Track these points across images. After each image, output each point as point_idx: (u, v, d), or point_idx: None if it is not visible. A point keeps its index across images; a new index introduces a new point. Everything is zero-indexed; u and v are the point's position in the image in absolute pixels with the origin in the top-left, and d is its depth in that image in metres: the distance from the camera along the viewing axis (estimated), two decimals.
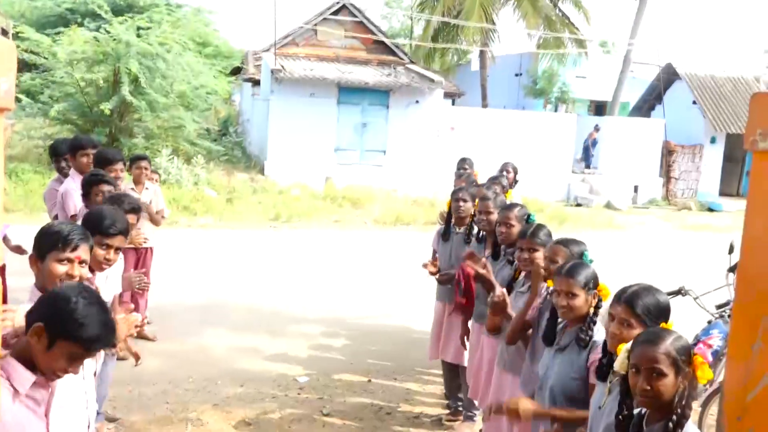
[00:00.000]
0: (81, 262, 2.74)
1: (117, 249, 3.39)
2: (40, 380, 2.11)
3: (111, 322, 2.17)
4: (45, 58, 15.91)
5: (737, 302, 1.43)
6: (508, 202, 6.06)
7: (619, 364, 2.47)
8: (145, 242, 6.00)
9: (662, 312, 2.82)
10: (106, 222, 3.31)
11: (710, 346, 5.31)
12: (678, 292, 5.61)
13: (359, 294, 9.08)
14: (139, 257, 6.64)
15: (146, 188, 6.71)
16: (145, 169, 6.69)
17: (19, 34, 15.39)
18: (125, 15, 17.43)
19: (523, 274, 4.06)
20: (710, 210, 21.64)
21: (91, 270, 3.23)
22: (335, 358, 6.84)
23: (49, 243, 2.69)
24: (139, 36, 16.10)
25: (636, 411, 2.46)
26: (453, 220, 5.45)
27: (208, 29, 28.36)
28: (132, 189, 6.44)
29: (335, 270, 10.56)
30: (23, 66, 16.79)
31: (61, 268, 2.68)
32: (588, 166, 22.63)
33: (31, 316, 2.12)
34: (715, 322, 5.45)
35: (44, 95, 16.58)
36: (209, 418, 5.23)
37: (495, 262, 4.64)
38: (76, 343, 2.07)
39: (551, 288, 3.36)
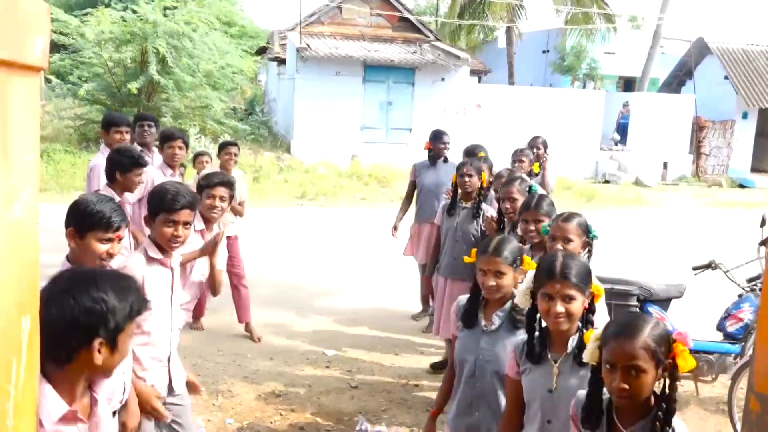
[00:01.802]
0: (120, 239, 2.82)
1: (186, 224, 3.22)
2: (73, 413, 1.87)
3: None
4: (74, 38, 16.06)
5: None
6: (536, 178, 6.03)
7: (589, 354, 2.24)
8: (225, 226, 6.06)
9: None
10: (168, 197, 3.20)
11: (741, 320, 5.27)
12: (708, 266, 5.56)
13: (386, 270, 9.11)
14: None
15: (232, 176, 6.29)
16: (235, 155, 6.41)
17: None
18: None
19: (528, 245, 3.95)
20: (741, 186, 21.31)
21: (162, 250, 3.19)
22: (363, 332, 6.89)
23: (91, 222, 2.72)
24: (165, 16, 16.18)
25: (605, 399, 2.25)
26: (459, 195, 5.35)
27: (234, 8, 28.36)
28: None
29: (362, 247, 10.61)
30: (52, 47, 16.96)
31: (102, 247, 2.74)
32: (623, 143, 22.32)
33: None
34: (746, 296, 5.39)
35: (73, 76, 16.76)
36: (239, 390, 5.31)
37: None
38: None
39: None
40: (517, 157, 6.09)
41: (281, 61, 22.08)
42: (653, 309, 5.41)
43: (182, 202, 3.20)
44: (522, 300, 2.73)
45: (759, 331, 1.42)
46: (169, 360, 3.29)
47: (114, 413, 2.17)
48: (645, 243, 12.07)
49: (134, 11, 16.17)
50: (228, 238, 6.27)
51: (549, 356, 2.61)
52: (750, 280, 5.55)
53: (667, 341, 2.10)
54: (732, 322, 5.34)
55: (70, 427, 1.85)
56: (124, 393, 2.47)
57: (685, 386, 5.73)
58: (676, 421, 2.12)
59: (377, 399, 5.33)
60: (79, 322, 1.80)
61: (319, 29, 20.59)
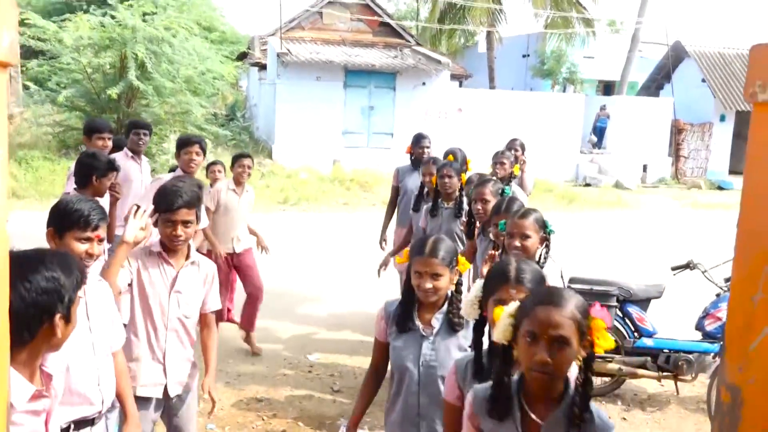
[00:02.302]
0: (100, 240, 2.80)
1: (185, 222, 3.20)
2: (39, 391, 1.96)
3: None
4: (52, 44, 15.92)
5: (737, 254, 1.43)
6: (516, 180, 6.05)
7: (501, 332, 2.03)
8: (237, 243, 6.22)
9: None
10: (168, 198, 3.20)
11: (719, 319, 5.32)
12: (687, 266, 5.62)
13: (369, 275, 9.10)
14: (233, 259, 6.20)
15: (246, 191, 6.26)
16: (248, 168, 6.19)
17: (25, 21, 15.40)
18: (130, 1, 17.40)
19: (500, 250, 3.80)
20: (720, 188, 21.55)
21: (166, 249, 3.27)
22: (345, 337, 6.88)
23: (69, 222, 2.71)
24: (144, 21, 16.09)
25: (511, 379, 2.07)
26: (441, 197, 5.42)
27: (214, 14, 28.29)
28: (233, 190, 6.13)
29: (345, 252, 10.60)
30: (30, 53, 16.82)
31: (81, 247, 2.72)
32: (599, 147, 22.48)
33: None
34: (724, 295, 5.45)
35: (52, 82, 16.60)
36: (221, 395, 5.27)
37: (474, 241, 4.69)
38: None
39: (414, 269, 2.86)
40: (498, 159, 6.09)
41: (262, 67, 22.04)
42: (633, 309, 5.46)
43: (179, 203, 3.18)
44: (470, 311, 2.49)
45: (728, 324, 1.44)
46: (164, 358, 3.27)
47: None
48: (625, 245, 12.16)
49: (113, 17, 16.06)
50: (236, 255, 6.20)
51: None
52: (727, 280, 5.60)
53: (589, 315, 1.96)
54: (710, 321, 5.40)
55: (36, 404, 1.95)
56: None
57: (665, 386, 5.78)
58: (594, 407, 2.00)
59: None
60: (39, 303, 1.93)
61: (299, 34, 20.58)
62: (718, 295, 5.52)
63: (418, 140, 6.87)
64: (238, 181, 6.12)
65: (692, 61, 23.73)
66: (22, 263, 1.97)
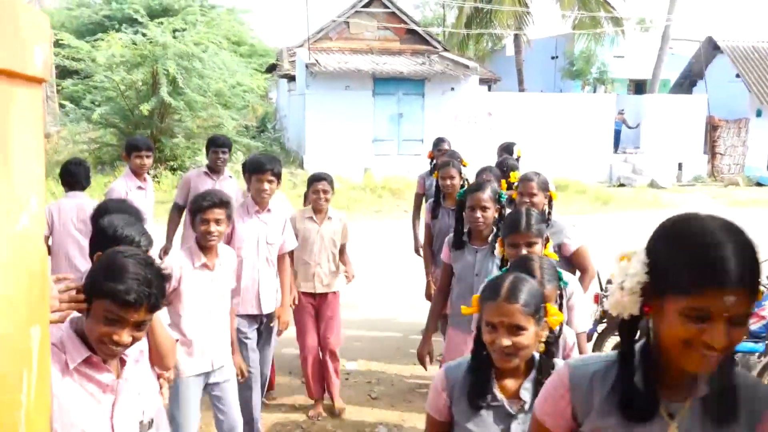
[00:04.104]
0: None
1: (218, 220, 3.69)
2: (96, 359, 2.04)
3: (148, 276, 2.01)
4: (85, 63, 16.26)
5: None
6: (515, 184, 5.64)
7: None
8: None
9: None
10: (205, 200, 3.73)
11: (763, 318, 5.20)
12: None
13: (404, 281, 9.09)
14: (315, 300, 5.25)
15: (329, 218, 5.18)
16: (324, 192, 5.06)
17: (60, 42, 15.74)
18: (161, 18, 17.69)
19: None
20: (759, 185, 21.11)
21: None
22: (381, 344, 6.87)
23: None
24: (175, 38, 16.35)
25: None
26: (442, 197, 5.50)
27: (242, 28, 28.61)
28: (311, 218, 5.13)
29: (378, 259, 10.60)
30: (65, 73, 17.19)
31: None
32: (616, 151, 22.16)
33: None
34: (767, 294, 5.32)
35: (86, 100, 16.96)
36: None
37: (464, 252, 4.04)
38: (106, 298, 1.96)
39: None
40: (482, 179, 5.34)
41: (291, 78, 22.21)
42: None
43: (213, 200, 3.70)
44: (627, 302, 1.47)
45: None
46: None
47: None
48: (615, 255, 11.95)
49: (144, 34, 16.35)
50: (318, 296, 5.24)
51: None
52: None
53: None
54: (755, 320, 5.27)
55: (96, 374, 2.05)
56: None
57: None
58: (558, 361, 2.24)
59: (398, 409, 5.30)
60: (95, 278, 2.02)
61: (327, 45, 20.70)
62: (761, 294, 5.39)
63: (435, 144, 6.95)
64: (317, 209, 5.13)
65: (725, 57, 23.33)
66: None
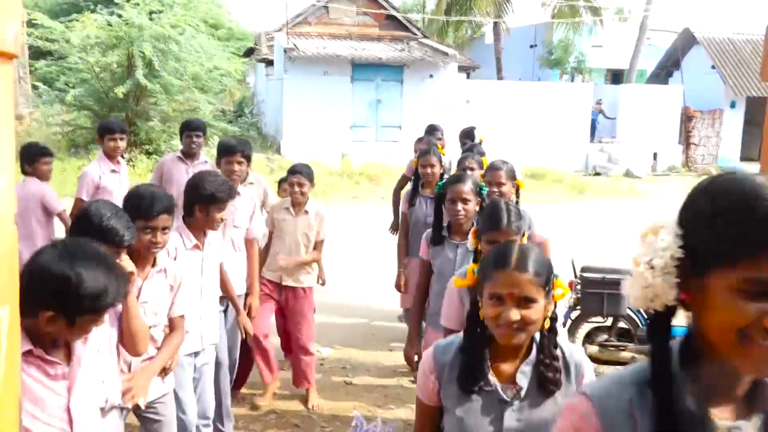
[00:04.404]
0: (164, 229, 3.06)
1: (164, 229, 3.10)
2: (38, 351, 2.06)
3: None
4: (59, 44, 15.97)
5: None
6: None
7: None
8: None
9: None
10: (144, 203, 3.07)
11: None
12: None
13: (379, 267, 9.11)
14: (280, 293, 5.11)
15: (305, 211, 4.98)
16: (299, 186, 4.88)
17: (33, 22, 15.45)
18: None
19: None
20: None
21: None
22: (357, 330, 6.88)
23: (102, 238, 2.61)
24: (151, 19, 16.11)
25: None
26: (421, 185, 5.42)
27: (220, 11, 28.31)
28: (287, 209, 4.98)
29: (355, 246, 10.59)
30: (38, 54, 16.88)
31: (144, 237, 2.97)
32: (592, 140, 22.30)
33: None
34: None
35: (60, 82, 16.67)
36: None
37: (444, 248, 3.88)
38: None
39: None
40: (464, 165, 5.30)
41: (269, 63, 22.05)
42: None
43: (158, 208, 3.06)
44: (659, 290, 1.14)
45: None
46: (129, 369, 3.09)
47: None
48: (637, 233, 12.09)
49: (120, 16, 16.09)
50: (285, 289, 5.08)
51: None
52: None
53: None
54: None
55: (43, 365, 2.05)
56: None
57: None
58: (564, 341, 2.03)
59: (373, 395, 5.32)
60: (41, 289, 1.95)
61: (306, 29, 20.56)
62: None
63: (431, 131, 6.89)
64: (292, 202, 4.96)
65: (701, 48, 23.55)
66: (68, 249, 2.06)
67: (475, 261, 3.01)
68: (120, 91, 15.14)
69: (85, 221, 2.67)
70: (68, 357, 2.15)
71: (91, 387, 2.23)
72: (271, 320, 5.32)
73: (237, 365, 4.80)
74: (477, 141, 6.84)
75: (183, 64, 16.59)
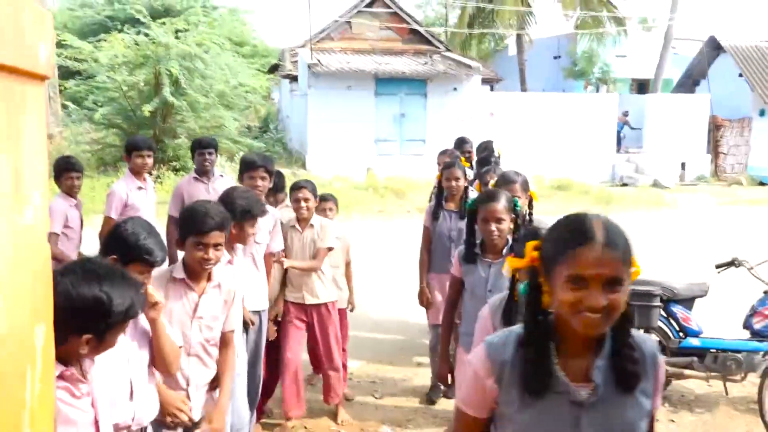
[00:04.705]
0: (216, 245, 3.08)
1: (216, 246, 3.11)
2: (70, 372, 2.10)
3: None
4: (88, 64, 16.27)
5: None
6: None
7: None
8: None
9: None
10: (198, 219, 3.08)
11: (767, 317, 5.18)
12: (731, 264, 5.48)
13: (408, 282, 9.09)
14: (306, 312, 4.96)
15: (311, 225, 4.89)
16: (305, 201, 4.80)
17: (62, 42, 15.76)
18: (163, 19, 17.71)
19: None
20: (762, 184, 21.08)
21: (189, 272, 3.17)
22: (385, 345, 6.86)
23: (134, 256, 2.67)
24: (177, 38, 16.36)
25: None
26: (445, 198, 5.33)
27: (245, 28, 28.64)
28: (293, 227, 4.89)
29: (382, 259, 10.58)
30: (67, 73, 17.18)
31: (197, 253, 3.03)
32: (618, 151, 22.15)
33: None
34: None
35: (89, 101, 16.99)
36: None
37: (477, 266, 3.72)
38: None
39: None
40: (485, 180, 5.32)
41: (293, 78, 22.22)
42: (677, 308, 5.34)
43: (210, 224, 3.07)
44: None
45: None
46: (188, 384, 3.15)
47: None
48: (666, 244, 11.95)
49: (146, 35, 16.36)
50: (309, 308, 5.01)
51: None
52: None
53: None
54: (758, 319, 5.25)
55: (71, 385, 2.07)
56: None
57: (713, 386, 5.64)
58: (640, 333, 1.78)
59: (401, 409, 5.29)
60: (77, 315, 1.97)
61: (329, 45, 20.71)
62: (766, 293, 5.37)
63: (460, 144, 6.89)
64: (298, 218, 4.88)
65: (728, 56, 23.29)
66: (89, 272, 2.06)
67: (511, 288, 2.74)
68: (147, 109, 15.36)
69: (121, 240, 2.69)
70: (83, 374, 2.18)
71: (112, 399, 2.29)
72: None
73: (261, 381, 4.78)
74: (496, 154, 6.82)
75: (209, 82, 16.81)
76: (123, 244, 2.66)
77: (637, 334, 1.78)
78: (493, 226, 3.57)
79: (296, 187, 4.84)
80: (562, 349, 1.68)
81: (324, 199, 5.33)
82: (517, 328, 1.76)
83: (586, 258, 1.58)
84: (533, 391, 1.65)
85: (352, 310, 5.71)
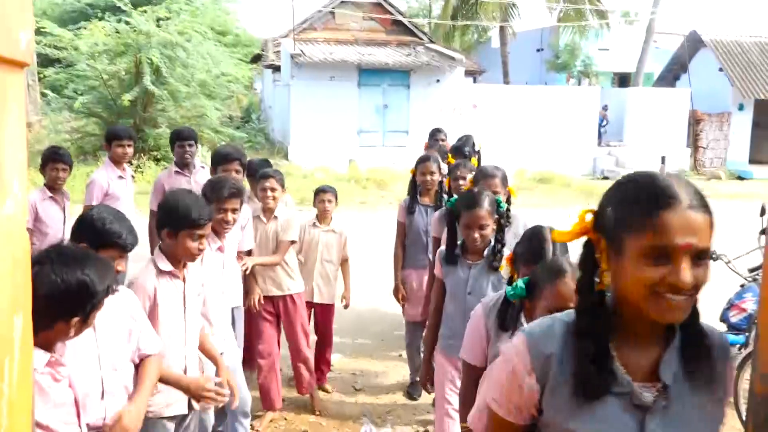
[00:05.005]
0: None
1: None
2: (55, 358, 2.18)
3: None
4: (68, 52, 16.09)
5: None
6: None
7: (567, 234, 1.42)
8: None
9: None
10: (192, 214, 3.05)
11: (744, 310, 5.25)
12: (710, 257, 5.53)
13: (389, 275, 9.10)
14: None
15: (275, 217, 4.79)
16: (272, 190, 4.71)
17: (42, 30, 15.55)
18: (144, 7, 17.54)
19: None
20: (740, 178, 21.32)
21: (174, 262, 3.11)
22: (366, 337, 6.87)
23: (104, 241, 2.64)
24: (158, 26, 16.21)
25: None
26: (419, 192, 5.25)
27: (227, 18, 28.42)
28: (257, 217, 4.78)
29: (364, 251, 10.58)
30: (47, 61, 16.98)
31: (193, 244, 3.04)
32: (599, 144, 22.28)
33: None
34: (748, 286, 5.38)
35: (68, 89, 16.80)
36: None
37: (457, 268, 3.60)
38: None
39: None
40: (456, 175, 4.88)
41: (276, 69, 22.11)
42: None
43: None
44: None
45: (762, 313, 1.40)
46: (185, 371, 3.14)
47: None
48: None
49: (127, 23, 16.19)
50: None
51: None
52: (752, 270, 5.54)
53: None
54: (735, 312, 5.32)
55: (54, 370, 2.15)
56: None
57: None
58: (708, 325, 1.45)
59: (382, 401, 5.31)
60: (65, 299, 2.08)
61: (312, 35, 20.61)
62: (742, 286, 5.44)
63: (434, 134, 6.87)
64: (263, 207, 4.80)
65: (709, 51, 23.47)
66: (65, 258, 2.13)
67: (509, 284, 2.64)
68: (127, 98, 15.22)
69: (88, 226, 2.67)
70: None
71: (83, 400, 2.33)
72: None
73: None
74: (477, 149, 6.74)
75: (190, 71, 16.69)
76: (91, 230, 2.65)
77: (703, 322, 1.46)
78: (476, 234, 3.44)
79: (264, 176, 4.74)
80: (621, 341, 1.38)
81: (323, 191, 5.36)
82: (563, 315, 1.46)
83: (671, 224, 1.27)
84: (590, 392, 1.35)
85: (346, 307, 5.64)
